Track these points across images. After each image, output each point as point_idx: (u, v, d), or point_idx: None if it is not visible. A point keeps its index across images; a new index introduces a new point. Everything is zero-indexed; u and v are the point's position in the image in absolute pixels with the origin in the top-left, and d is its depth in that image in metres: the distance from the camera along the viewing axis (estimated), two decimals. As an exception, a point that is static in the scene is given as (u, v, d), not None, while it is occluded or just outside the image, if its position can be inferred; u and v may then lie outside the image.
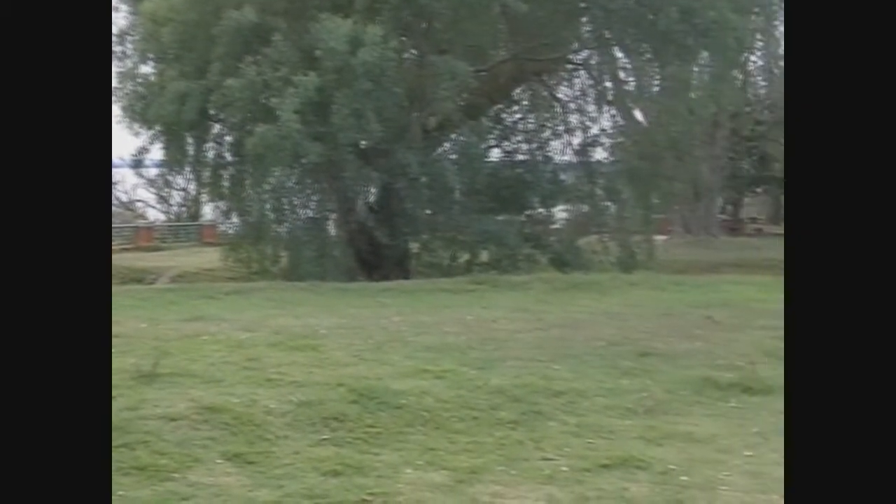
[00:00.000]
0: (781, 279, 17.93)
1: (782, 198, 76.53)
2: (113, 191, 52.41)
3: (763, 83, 60.27)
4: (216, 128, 27.94)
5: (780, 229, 66.06)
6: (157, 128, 27.07)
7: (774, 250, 49.24)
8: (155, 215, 62.75)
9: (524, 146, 31.86)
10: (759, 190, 73.07)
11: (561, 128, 32.14)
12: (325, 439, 8.46)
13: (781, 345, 12.95)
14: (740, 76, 49.59)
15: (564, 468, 7.84)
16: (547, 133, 32.25)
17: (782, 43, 59.88)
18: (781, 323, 13.84)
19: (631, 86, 31.84)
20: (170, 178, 47.86)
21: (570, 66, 31.89)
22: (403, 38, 26.02)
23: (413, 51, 27.48)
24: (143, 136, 28.26)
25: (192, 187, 53.38)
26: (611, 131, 32.40)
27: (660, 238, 40.77)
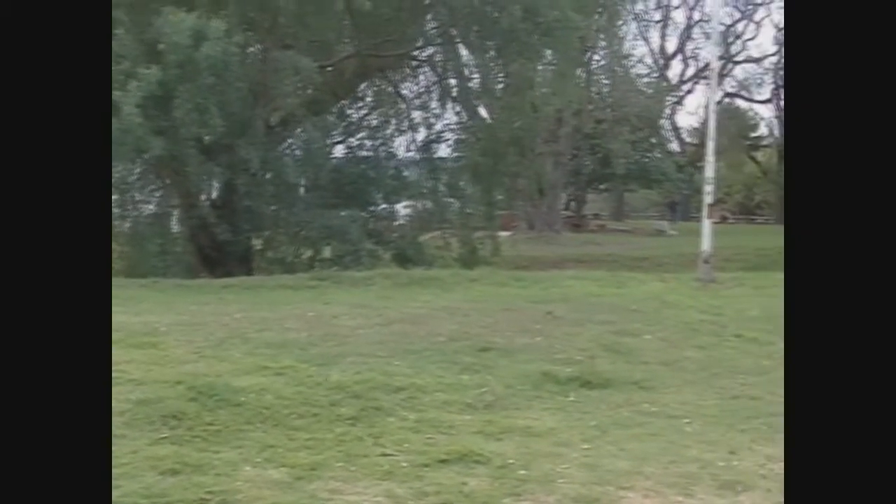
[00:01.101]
0: (619, 274, 18.27)
1: (624, 194, 77.98)
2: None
3: (606, 81, 61.12)
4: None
5: (623, 225, 67.27)
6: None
7: (616, 246, 50.25)
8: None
9: (368, 142, 31.90)
10: (601, 187, 74.25)
11: (405, 124, 32.29)
12: (163, 438, 8.36)
13: (619, 339, 13.29)
14: (583, 74, 50.21)
15: (404, 464, 7.86)
16: (391, 129, 32.38)
17: (624, 43, 61.01)
18: (619, 318, 14.13)
19: (475, 83, 32.06)
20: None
21: (414, 63, 32.03)
22: (248, 33, 25.83)
23: (257, 46, 27.33)
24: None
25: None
26: (454, 128, 32.68)
27: (504, 234, 41.10)
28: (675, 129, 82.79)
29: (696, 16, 73.55)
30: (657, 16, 74.43)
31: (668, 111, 77.25)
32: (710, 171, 22.72)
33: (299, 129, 28.58)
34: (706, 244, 21.58)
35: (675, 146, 79.61)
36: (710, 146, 22.78)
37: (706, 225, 21.95)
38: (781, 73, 77.69)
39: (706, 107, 30.25)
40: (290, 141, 29.45)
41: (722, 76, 71.07)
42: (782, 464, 8.27)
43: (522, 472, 7.78)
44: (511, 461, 8.01)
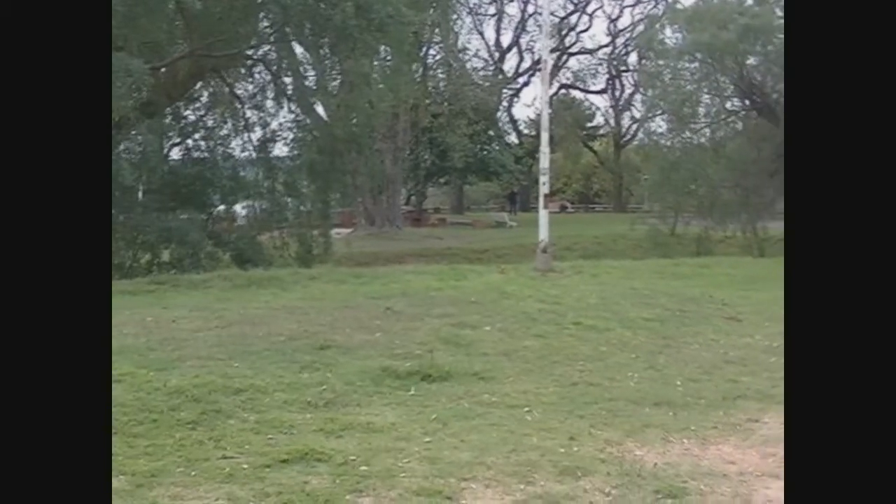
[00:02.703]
0: (459, 267, 18.33)
1: (464, 187, 78.48)
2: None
3: (441, 76, 61.49)
4: None
5: (463, 218, 67.69)
6: None
7: (456, 239, 50.55)
8: None
9: (204, 143, 31.66)
10: (441, 181, 74.66)
11: (241, 124, 32.07)
12: (-2, 451, 8.22)
13: (458, 332, 13.35)
14: (419, 69, 50.39)
15: (245, 465, 7.82)
16: (227, 130, 32.17)
17: (459, 37, 61.39)
18: (458, 310, 14.18)
19: (310, 81, 32.00)
20: None
21: (248, 62, 31.80)
22: (78, 35, 25.37)
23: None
24: None
25: None
26: (291, 126, 32.55)
27: (345, 231, 41.11)
28: (513, 121, 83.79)
29: (530, 9, 74.37)
30: (492, 9, 75.22)
31: (504, 104, 78.01)
32: (545, 161, 22.97)
33: (133, 132, 28.16)
34: (543, 234, 21.85)
35: (513, 138, 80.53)
36: (545, 137, 23.06)
37: (543, 215, 22.21)
38: (615, 63, 79.03)
39: (541, 98, 30.57)
40: (124, 144, 29.01)
41: (557, 68, 72.04)
42: (621, 447, 8.46)
43: (364, 468, 7.79)
44: (352, 458, 8.02)
